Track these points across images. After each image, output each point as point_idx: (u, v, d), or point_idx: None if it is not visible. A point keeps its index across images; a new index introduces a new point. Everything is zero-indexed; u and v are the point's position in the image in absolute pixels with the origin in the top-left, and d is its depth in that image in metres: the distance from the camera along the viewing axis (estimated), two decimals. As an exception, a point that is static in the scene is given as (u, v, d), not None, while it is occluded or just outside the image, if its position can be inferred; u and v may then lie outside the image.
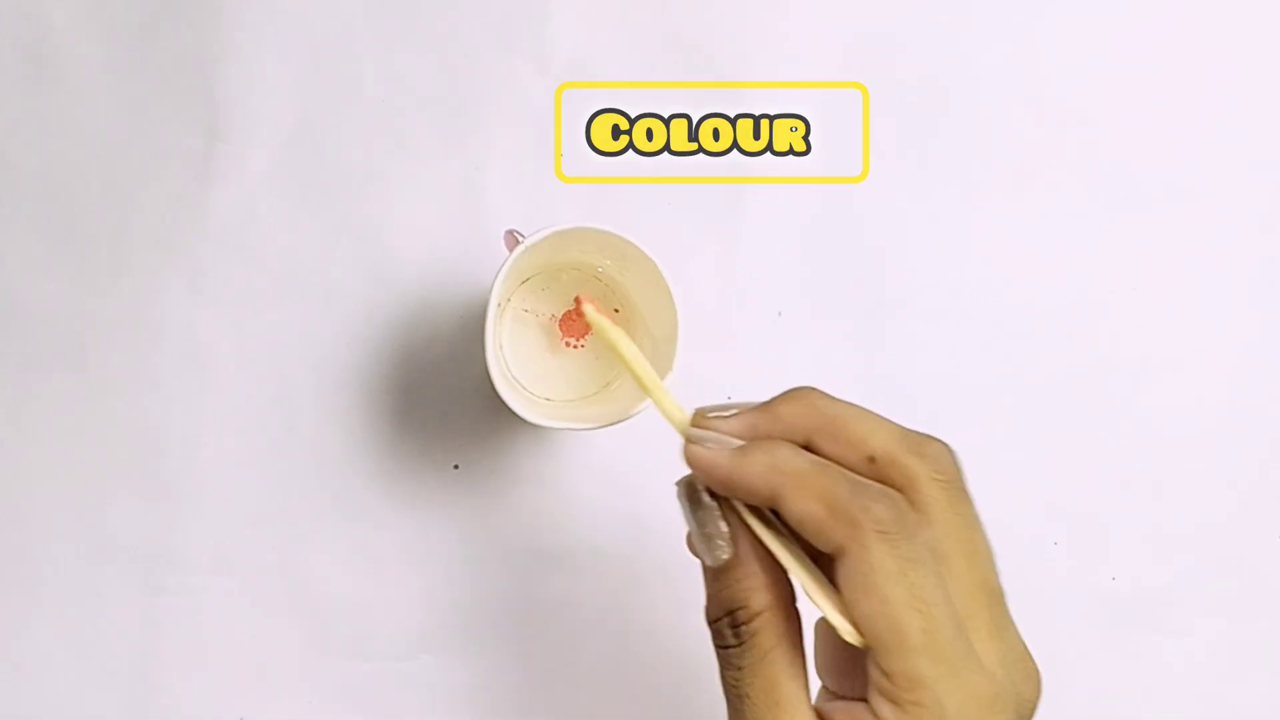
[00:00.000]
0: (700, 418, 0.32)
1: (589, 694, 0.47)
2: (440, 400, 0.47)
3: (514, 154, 0.47)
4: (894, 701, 0.27)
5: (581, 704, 0.47)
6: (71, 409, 0.46)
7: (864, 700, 0.28)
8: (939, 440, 0.30)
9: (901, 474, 0.29)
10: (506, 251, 0.41)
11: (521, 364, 0.44)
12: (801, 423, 0.30)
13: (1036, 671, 0.29)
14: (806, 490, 0.28)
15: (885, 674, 0.27)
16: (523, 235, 0.40)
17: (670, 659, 0.46)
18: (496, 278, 0.38)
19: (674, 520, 0.31)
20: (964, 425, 0.48)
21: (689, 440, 0.31)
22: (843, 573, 0.28)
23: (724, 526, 0.31)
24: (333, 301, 0.47)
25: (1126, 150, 0.49)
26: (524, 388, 0.43)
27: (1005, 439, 0.48)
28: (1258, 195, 0.50)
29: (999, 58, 0.49)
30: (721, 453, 0.30)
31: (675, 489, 0.32)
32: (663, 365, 0.39)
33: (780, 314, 0.48)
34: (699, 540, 0.31)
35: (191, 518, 0.46)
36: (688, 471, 0.31)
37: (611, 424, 0.39)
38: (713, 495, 0.31)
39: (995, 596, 0.29)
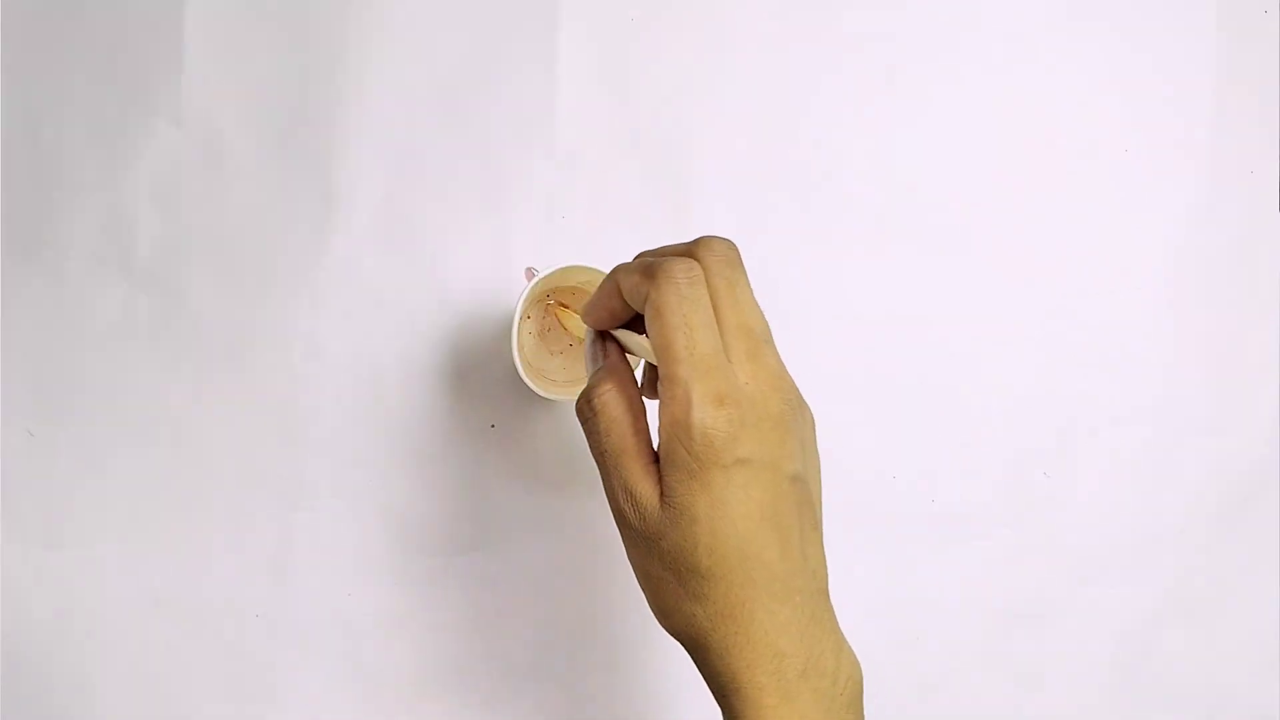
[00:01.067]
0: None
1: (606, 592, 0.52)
2: (482, 382, 0.52)
3: (532, 216, 0.52)
4: (662, 400, 0.29)
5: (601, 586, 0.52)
6: (230, 398, 0.52)
7: None
8: (720, 236, 0.31)
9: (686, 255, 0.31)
10: (525, 281, 0.49)
11: (537, 357, 0.50)
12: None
13: (786, 387, 0.30)
14: (632, 268, 0.31)
15: (661, 379, 0.29)
16: (536, 270, 0.47)
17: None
18: (519, 299, 0.44)
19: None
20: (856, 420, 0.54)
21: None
22: (646, 314, 0.29)
23: (600, 348, 0.34)
24: (410, 316, 0.52)
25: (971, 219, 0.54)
26: (539, 373, 0.49)
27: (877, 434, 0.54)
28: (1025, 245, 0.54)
29: (859, 151, 0.53)
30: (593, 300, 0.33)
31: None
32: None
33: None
34: (589, 361, 0.34)
35: (313, 455, 0.51)
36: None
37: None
38: (598, 335, 0.34)
39: (753, 334, 0.30)
